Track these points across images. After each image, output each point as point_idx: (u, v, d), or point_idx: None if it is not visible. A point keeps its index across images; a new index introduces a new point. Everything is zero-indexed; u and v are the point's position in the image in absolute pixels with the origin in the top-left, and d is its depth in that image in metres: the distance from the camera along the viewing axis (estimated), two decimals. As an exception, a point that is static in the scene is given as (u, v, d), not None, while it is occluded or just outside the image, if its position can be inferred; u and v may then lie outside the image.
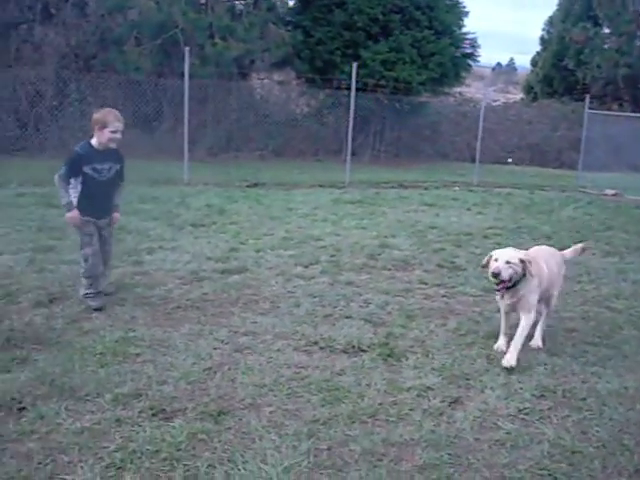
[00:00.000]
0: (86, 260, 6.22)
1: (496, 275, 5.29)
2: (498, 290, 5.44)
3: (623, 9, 30.93)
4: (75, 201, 6.12)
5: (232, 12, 22.62)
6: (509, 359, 5.21)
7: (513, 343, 5.34)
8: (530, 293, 5.48)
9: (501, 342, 5.67)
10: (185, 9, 19.79)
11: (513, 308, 5.61)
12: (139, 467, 3.60)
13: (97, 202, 6.29)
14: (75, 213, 6.10)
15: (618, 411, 4.58)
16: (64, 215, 6.20)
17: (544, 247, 6.55)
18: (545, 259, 5.87)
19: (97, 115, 6.12)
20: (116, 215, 6.60)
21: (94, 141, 6.14)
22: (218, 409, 4.24)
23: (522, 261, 5.37)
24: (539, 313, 5.89)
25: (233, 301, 6.59)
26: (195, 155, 18.11)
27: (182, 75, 15.68)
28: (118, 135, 6.14)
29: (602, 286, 8.05)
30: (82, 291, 6.22)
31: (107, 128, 6.05)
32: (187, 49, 15.58)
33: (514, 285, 5.42)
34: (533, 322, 5.55)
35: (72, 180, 6.12)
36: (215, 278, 7.36)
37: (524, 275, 5.40)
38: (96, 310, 6.04)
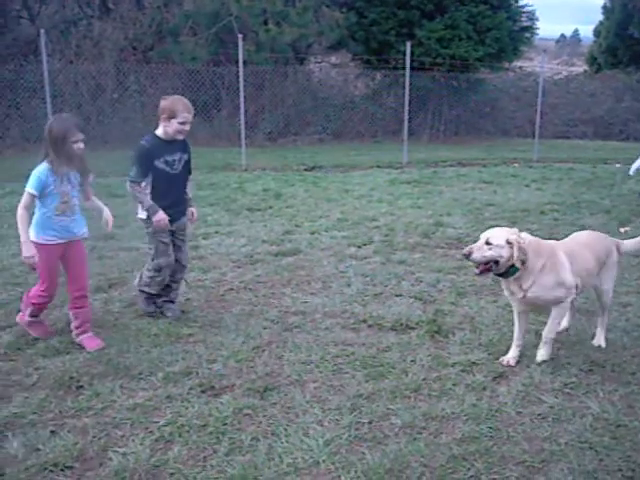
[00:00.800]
0: (158, 271, 5.59)
1: (466, 256, 4.72)
2: (477, 274, 4.81)
3: (690, -27, 29.90)
4: None
5: (285, -4, 22.70)
6: (543, 354, 4.82)
7: (545, 334, 4.85)
8: (545, 291, 4.68)
9: (510, 355, 4.89)
10: (238, -4, 19.94)
11: (529, 305, 4.85)
12: (187, 440, 3.76)
13: (171, 201, 5.57)
14: (163, 214, 5.41)
15: (668, 385, 4.54)
16: (148, 224, 5.57)
17: (586, 233, 5.51)
18: (579, 249, 5.00)
19: (165, 103, 5.36)
20: (192, 210, 5.88)
21: (159, 131, 5.45)
22: (264, 385, 4.38)
23: (509, 242, 4.56)
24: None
25: (285, 282, 6.72)
26: (254, 141, 18.33)
27: (237, 62, 15.86)
28: (187, 127, 5.41)
29: (663, 261, 7.90)
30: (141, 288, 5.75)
31: (175, 119, 5.32)
32: (240, 36, 15.73)
33: (506, 273, 4.66)
34: (565, 311, 4.97)
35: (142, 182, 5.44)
36: (269, 260, 7.50)
37: (523, 263, 4.59)
38: (148, 314, 5.72)
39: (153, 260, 5.59)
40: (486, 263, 4.59)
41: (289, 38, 20.24)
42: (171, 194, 5.58)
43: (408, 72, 17.48)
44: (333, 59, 25.91)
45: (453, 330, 5.46)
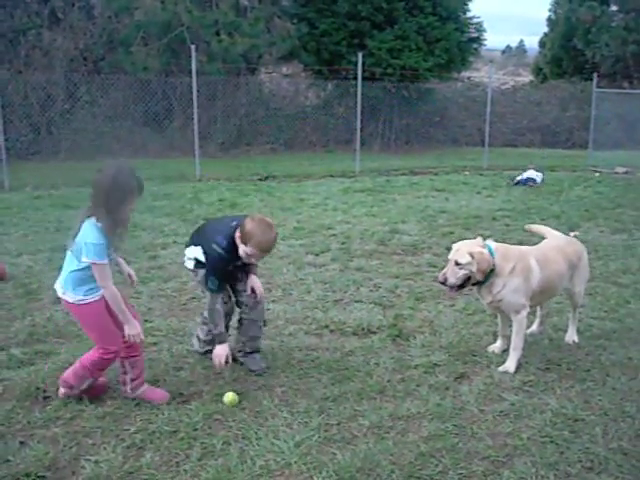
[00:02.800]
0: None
1: (442, 283, 4.84)
2: (451, 294, 4.97)
3: (630, -14, 30.81)
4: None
5: (237, 8, 22.69)
6: (508, 366, 4.86)
7: (511, 349, 4.93)
8: (511, 294, 4.85)
9: (496, 344, 5.26)
10: (190, 7, 19.91)
11: (497, 309, 5.11)
12: (158, 446, 3.81)
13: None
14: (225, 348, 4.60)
15: (621, 381, 4.73)
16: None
17: (556, 237, 5.73)
18: (552, 253, 5.19)
19: (252, 228, 4.42)
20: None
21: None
22: (232, 391, 4.43)
23: (472, 255, 4.70)
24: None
25: (246, 290, 6.77)
26: (206, 151, 18.30)
27: (190, 73, 15.86)
28: (252, 260, 4.66)
29: (610, 262, 8.17)
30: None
31: (251, 249, 4.45)
32: (193, 47, 15.74)
33: (479, 282, 4.84)
34: (526, 322, 5.00)
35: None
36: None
37: (492, 270, 4.77)
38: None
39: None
40: (463, 285, 4.80)
41: (241, 48, 20.29)
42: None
43: (359, 82, 17.68)
44: (285, 69, 26.03)
45: (413, 333, 5.59)
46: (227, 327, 4.88)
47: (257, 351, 4.95)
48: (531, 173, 15.58)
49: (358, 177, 16.38)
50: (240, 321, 4.96)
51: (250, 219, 4.48)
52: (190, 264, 4.80)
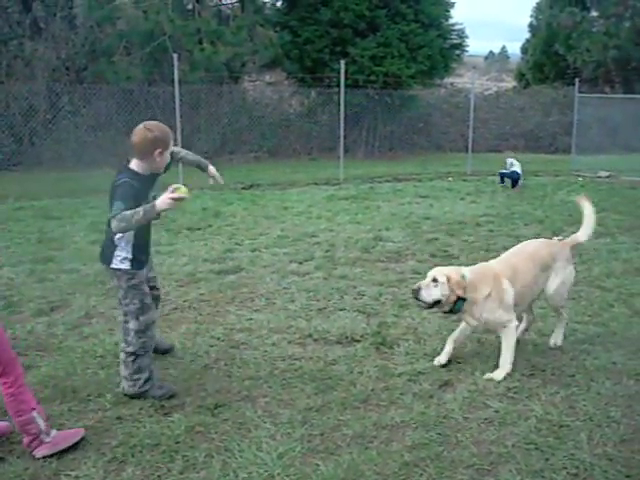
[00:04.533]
0: (144, 331, 4.52)
1: (415, 292, 4.80)
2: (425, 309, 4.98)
3: (610, -9, 31.05)
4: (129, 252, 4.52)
5: (219, 16, 22.77)
6: (498, 373, 4.84)
7: (502, 362, 4.90)
8: (492, 314, 4.89)
9: (443, 355, 5.10)
10: (172, 16, 19.92)
11: (487, 330, 5.20)
12: (140, 460, 3.76)
13: (148, 244, 4.83)
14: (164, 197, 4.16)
15: (605, 385, 4.72)
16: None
17: (530, 244, 5.79)
18: (521, 264, 5.22)
19: (157, 134, 4.39)
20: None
21: (139, 167, 4.46)
22: (215, 402, 4.40)
23: (449, 279, 4.75)
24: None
25: (229, 300, 6.74)
26: (190, 160, 18.17)
27: (172, 82, 15.82)
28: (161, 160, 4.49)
29: (594, 266, 8.18)
30: (139, 386, 4.51)
31: (168, 150, 4.50)
32: (176, 56, 15.71)
33: (452, 310, 4.88)
34: (515, 332, 5.01)
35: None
36: (211, 279, 7.51)
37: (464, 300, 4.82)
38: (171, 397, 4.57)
39: (138, 319, 4.49)
40: (431, 305, 4.80)
41: (224, 57, 20.29)
42: (149, 235, 4.80)
43: (342, 90, 17.68)
44: (268, 77, 26.04)
45: (397, 341, 5.56)
46: None
47: None
48: (514, 164, 15.88)
49: (342, 184, 16.37)
50: None
51: (149, 131, 4.37)
52: (123, 264, 4.52)
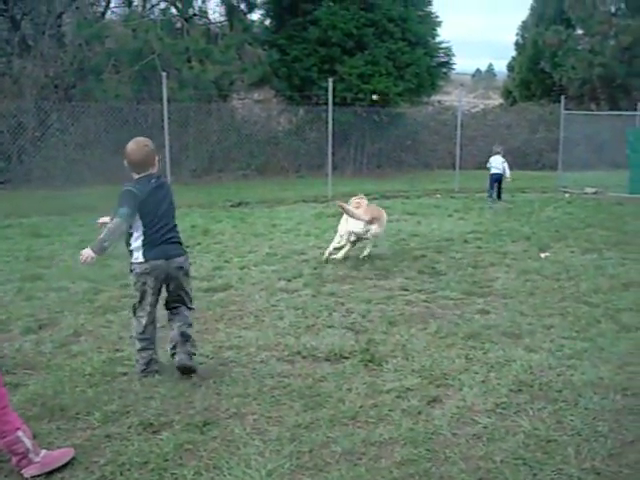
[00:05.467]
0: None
1: None
2: None
3: (594, 10, 31.38)
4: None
5: (208, 35, 22.88)
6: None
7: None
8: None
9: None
10: (161, 35, 20.03)
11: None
12: (128, 478, 3.74)
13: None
14: None
15: (593, 400, 4.74)
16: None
17: None
18: None
19: (152, 145, 5.14)
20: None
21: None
22: (203, 420, 4.39)
23: None
24: None
25: (218, 317, 6.75)
26: (178, 178, 18.26)
27: (161, 100, 15.87)
28: None
29: (581, 282, 8.23)
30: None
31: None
32: (164, 74, 15.77)
33: None
34: None
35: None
36: (200, 296, 7.48)
37: None
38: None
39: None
40: None
41: (212, 75, 20.39)
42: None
43: (330, 107, 17.78)
44: (256, 96, 26.16)
45: (386, 358, 5.57)
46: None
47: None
48: (502, 163, 16.52)
49: (330, 202, 16.38)
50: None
51: (144, 147, 5.07)
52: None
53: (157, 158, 5.14)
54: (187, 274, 5.21)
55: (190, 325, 5.26)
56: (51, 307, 7.08)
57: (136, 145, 5.05)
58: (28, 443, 3.76)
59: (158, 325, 5.37)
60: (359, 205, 9.54)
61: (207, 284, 8.03)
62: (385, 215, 9.73)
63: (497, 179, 16.54)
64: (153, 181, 5.04)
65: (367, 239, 9.39)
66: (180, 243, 5.21)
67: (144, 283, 5.11)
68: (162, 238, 5.03)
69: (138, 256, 5.05)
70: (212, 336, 6.17)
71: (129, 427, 4.33)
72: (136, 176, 5.06)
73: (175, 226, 5.20)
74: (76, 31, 20.35)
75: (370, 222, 9.15)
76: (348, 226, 9.25)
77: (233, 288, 7.90)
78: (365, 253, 9.45)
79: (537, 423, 4.39)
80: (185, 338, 5.14)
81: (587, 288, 7.94)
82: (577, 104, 30.59)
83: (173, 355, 5.17)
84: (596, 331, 6.35)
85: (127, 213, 4.94)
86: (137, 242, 5.04)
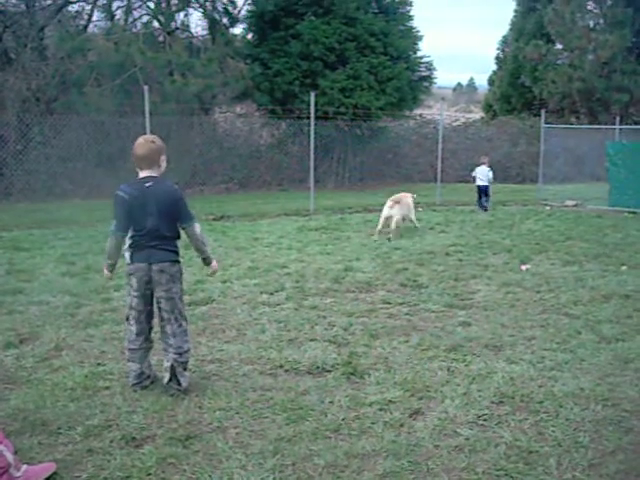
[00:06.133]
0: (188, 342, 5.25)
1: None
2: None
3: (573, 25, 31.69)
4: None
5: (190, 49, 22.91)
6: None
7: None
8: None
9: None
10: (143, 48, 20.03)
11: None
12: (110, 493, 3.74)
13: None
14: None
15: (573, 411, 4.78)
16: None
17: None
18: None
19: (160, 143, 5.15)
20: None
21: (157, 174, 5.16)
22: (186, 434, 4.38)
23: None
24: None
25: (200, 331, 6.73)
26: (160, 191, 18.16)
27: (143, 113, 15.85)
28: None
29: (561, 294, 8.29)
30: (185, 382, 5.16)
31: (165, 156, 5.19)
32: (146, 87, 15.75)
33: None
34: None
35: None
36: (183, 310, 7.49)
37: None
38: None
39: (186, 320, 5.27)
40: None
41: (194, 89, 20.40)
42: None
43: (313, 121, 17.83)
44: (238, 109, 26.20)
45: (368, 371, 5.59)
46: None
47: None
48: (482, 170, 17.15)
49: (312, 215, 16.45)
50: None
51: (150, 144, 5.13)
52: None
53: (163, 158, 5.11)
54: (173, 280, 5.06)
55: (182, 353, 5.09)
56: (32, 321, 7.03)
57: (143, 140, 5.13)
58: (10, 458, 3.74)
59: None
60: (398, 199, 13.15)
61: (189, 298, 7.99)
62: (407, 200, 13.48)
63: (483, 190, 16.90)
64: (147, 185, 5.00)
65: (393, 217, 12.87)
66: (170, 251, 5.07)
67: (130, 285, 5.10)
68: (149, 243, 4.99)
69: (127, 257, 5.08)
70: (194, 350, 6.13)
71: (111, 441, 4.32)
72: (139, 173, 5.10)
73: (167, 235, 5.05)
74: (58, 44, 20.32)
75: (391, 206, 12.93)
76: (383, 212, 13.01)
77: (215, 302, 7.89)
78: (392, 226, 12.79)
79: (518, 434, 4.43)
80: (173, 371, 5.05)
81: (567, 300, 8.01)
82: (557, 118, 30.87)
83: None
84: (577, 342, 6.40)
85: (113, 229, 5.06)
86: (127, 244, 5.08)
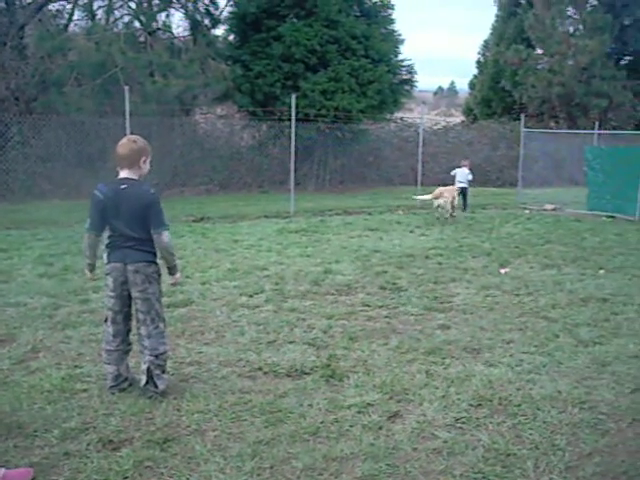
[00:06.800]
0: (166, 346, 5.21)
1: None
2: None
3: (553, 30, 31.90)
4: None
5: (171, 49, 22.82)
6: None
7: None
8: None
9: None
10: (124, 48, 19.90)
11: None
12: (87, 496, 3.71)
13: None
14: None
15: (551, 414, 4.82)
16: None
17: None
18: None
19: (142, 144, 5.08)
20: None
21: (136, 176, 5.10)
22: (164, 437, 4.36)
23: None
24: None
25: (179, 333, 6.70)
26: (140, 192, 18.07)
27: (124, 113, 15.76)
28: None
29: (540, 297, 8.35)
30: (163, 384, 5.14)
31: (149, 159, 5.16)
32: (127, 88, 15.67)
33: None
34: None
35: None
36: (162, 312, 7.46)
37: None
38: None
39: (165, 328, 5.26)
40: None
41: (175, 90, 20.30)
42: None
43: (293, 123, 17.82)
44: (219, 111, 26.11)
45: (347, 373, 5.59)
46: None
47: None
48: (462, 172, 17.85)
49: (293, 217, 16.43)
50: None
51: (134, 142, 5.10)
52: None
53: (144, 159, 5.07)
54: (149, 281, 5.01)
55: (158, 355, 5.05)
56: (9, 323, 6.97)
57: (126, 139, 5.13)
58: None
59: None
60: (441, 192, 15.95)
61: (168, 300, 7.93)
62: (447, 192, 15.96)
63: (461, 192, 17.11)
64: (122, 187, 4.96)
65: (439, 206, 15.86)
66: (146, 252, 5.00)
67: (107, 285, 5.10)
68: (124, 244, 4.98)
69: (104, 257, 5.09)
70: (172, 352, 6.10)
71: (88, 444, 4.29)
72: (119, 173, 5.06)
73: (142, 237, 4.98)
74: (38, 43, 20.14)
75: (436, 197, 15.88)
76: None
77: (194, 304, 7.86)
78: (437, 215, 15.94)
79: (496, 437, 4.45)
80: (150, 374, 5.04)
81: (546, 303, 8.06)
82: (537, 122, 31.10)
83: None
84: (555, 345, 6.45)
85: (87, 227, 5.10)
86: (105, 243, 5.11)
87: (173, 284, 5.39)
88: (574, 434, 4.53)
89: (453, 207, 16.05)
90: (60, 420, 4.60)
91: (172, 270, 5.21)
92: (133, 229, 4.96)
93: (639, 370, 5.80)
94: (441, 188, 16.20)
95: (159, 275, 5.13)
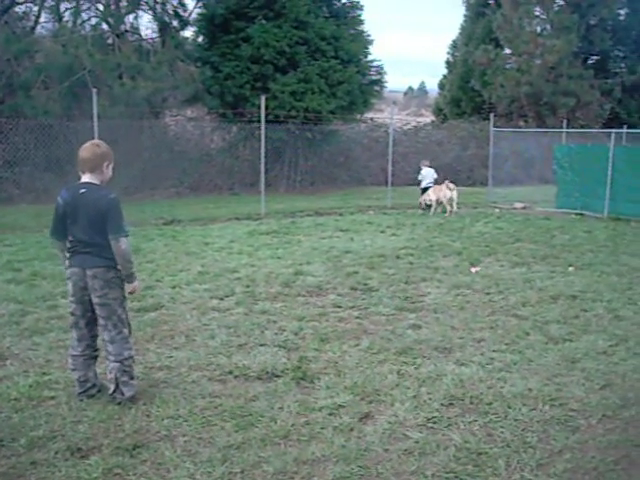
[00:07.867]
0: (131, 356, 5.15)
1: None
2: None
3: (521, 30, 32.18)
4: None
5: (140, 51, 22.67)
6: None
7: None
8: None
9: None
10: (91, 51, 19.74)
11: None
12: (54, 506, 3.65)
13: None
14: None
15: (522, 412, 4.84)
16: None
17: None
18: None
19: (105, 149, 5.05)
20: None
21: (98, 181, 5.02)
22: (133, 443, 4.31)
23: None
24: None
25: (149, 338, 6.64)
26: (110, 196, 17.92)
27: (92, 117, 15.62)
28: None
29: (510, 295, 8.40)
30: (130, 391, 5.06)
31: (112, 164, 5.13)
32: (95, 90, 15.54)
33: None
34: None
35: None
36: (130, 317, 7.37)
37: None
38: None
39: (130, 333, 5.21)
40: None
41: (144, 92, 20.17)
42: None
43: (263, 125, 17.78)
44: (189, 113, 25.98)
45: (318, 375, 5.58)
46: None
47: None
48: (430, 172, 18.61)
49: (264, 219, 16.37)
50: None
51: (96, 148, 5.07)
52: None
53: (107, 164, 5.03)
54: (109, 286, 4.93)
55: (122, 360, 4.99)
56: (-25, 330, 6.87)
57: (90, 143, 5.10)
58: None
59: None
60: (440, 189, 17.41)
61: (138, 304, 7.88)
62: (444, 190, 17.32)
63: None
64: (81, 191, 4.90)
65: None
66: (105, 257, 4.90)
67: (68, 290, 5.07)
68: (84, 249, 4.92)
69: (66, 262, 5.04)
70: (142, 357, 6.07)
71: (56, 452, 4.22)
72: (81, 177, 4.99)
73: (102, 242, 4.88)
74: (4, 46, 19.86)
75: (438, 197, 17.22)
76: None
77: (164, 308, 7.80)
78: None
79: (468, 436, 4.46)
80: (117, 381, 4.97)
81: (516, 301, 8.12)
82: (506, 121, 31.31)
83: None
84: (525, 343, 6.49)
85: (49, 233, 5.18)
86: (67, 248, 5.05)
87: (130, 293, 5.21)
88: (545, 431, 4.55)
89: (452, 204, 17.21)
90: (27, 428, 4.53)
91: (129, 279, 5.07)
92: (90, 235, 4.89)
93: (608, 366, 5.86)
94: (435, 187, 17.81)
95: (121, 280, 5.05)
